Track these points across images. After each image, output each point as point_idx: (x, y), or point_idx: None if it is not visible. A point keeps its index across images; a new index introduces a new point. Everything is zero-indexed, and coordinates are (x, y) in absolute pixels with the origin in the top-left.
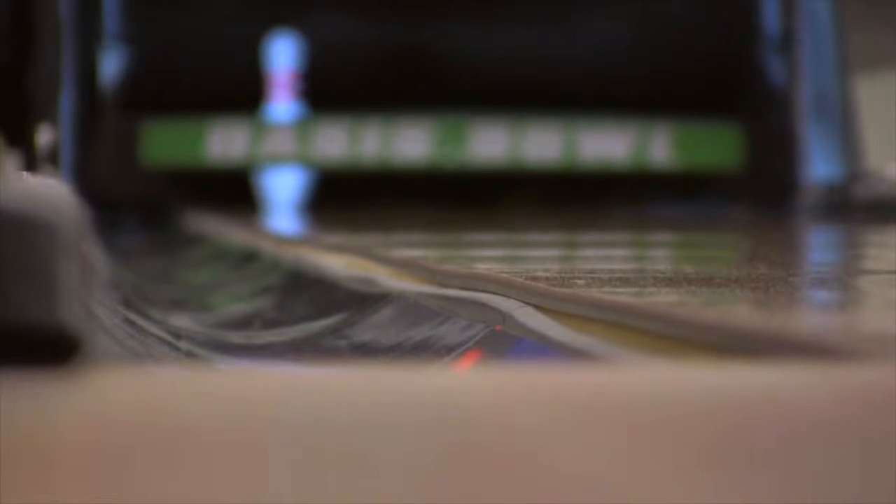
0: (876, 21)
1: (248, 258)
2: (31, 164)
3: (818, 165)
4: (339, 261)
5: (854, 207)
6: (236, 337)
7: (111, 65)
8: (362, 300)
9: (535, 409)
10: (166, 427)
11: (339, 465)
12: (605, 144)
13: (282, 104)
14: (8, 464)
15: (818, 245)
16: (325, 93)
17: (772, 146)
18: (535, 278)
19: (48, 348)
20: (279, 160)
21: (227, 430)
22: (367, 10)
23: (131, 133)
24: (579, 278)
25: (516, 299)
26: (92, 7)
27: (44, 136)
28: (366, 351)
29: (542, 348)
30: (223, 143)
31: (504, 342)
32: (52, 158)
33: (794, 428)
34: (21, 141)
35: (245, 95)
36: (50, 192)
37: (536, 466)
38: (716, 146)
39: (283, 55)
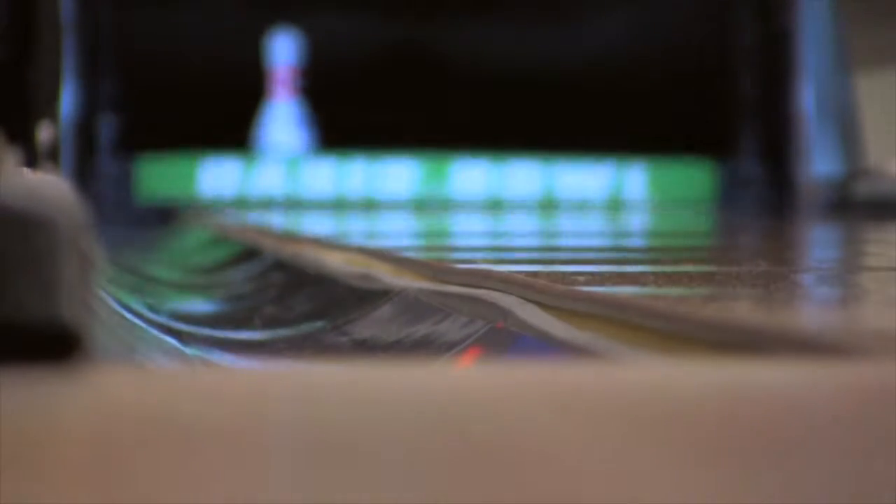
0: (877, 18)
1: (249, 255)
2: (31, 160)
3: (819, 163)
4: (338, 257)
5: (855, 205)
6: (237, 334)
7: (106, 129)
8: (362, 297)
9: (537, 406)
10: (168, 425)
11: (339, 463)
12: (582, 181)
13: (281, 102)
14: (8, 462)
15: (819, 242)
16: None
17: (747, 181)
18: (535, 275)
19: (48, 345)
20: (270, 197)
21: (229, 427)
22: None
23: (126, 174)
24: (580, 275)
25: (519, 296)
26: (93, 5)
27: (44, 133)
28: (366, 348)
29: (544, 346)
30: (214, 180)
31: (505, 339)
32: (53, 155)
33: (794, 426)
34: (21, 137)
35: (236, 132)
36: (50, 188)
37: (537, 464)
38: (689, 183)
39: (282, 53)
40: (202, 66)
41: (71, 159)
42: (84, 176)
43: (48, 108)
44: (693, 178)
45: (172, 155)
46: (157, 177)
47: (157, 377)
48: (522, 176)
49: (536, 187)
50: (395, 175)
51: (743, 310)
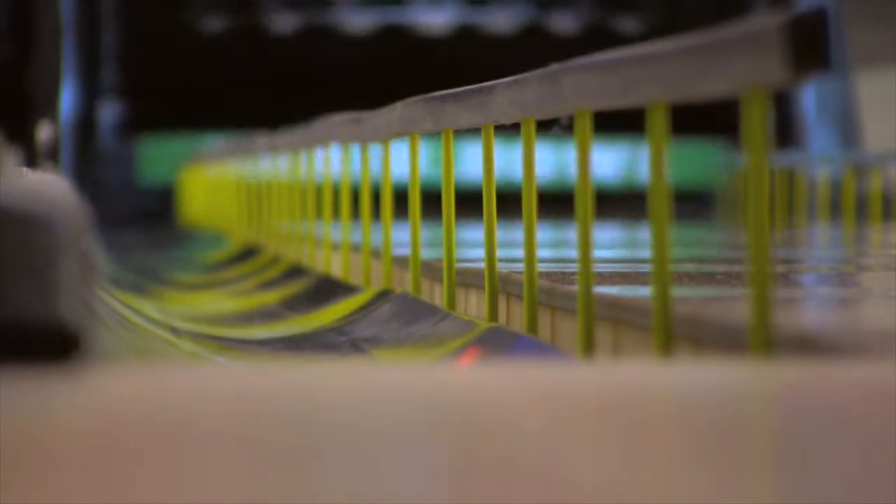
0: (878, 16)
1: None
2: (31, 159)
3: (818, 160)
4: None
5: (854, 202)
6: (236, 332)
7: (107, 114)
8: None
9: (535, 405)
10: (165, 423)
11: (338, 461)
12: (597, 163)
13: None
14: (8, 459)
15: (819, 241)
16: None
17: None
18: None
19: (48, 345)
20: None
21: (226, 426)
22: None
23: (127, 155)
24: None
25: (516, 296)
26: (92, 5)
27: (44, 133)
28: (366, 347)
29: (541, 346)
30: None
31: (503, 339)
32: (53, 155)
33: (794, 424)
34: (21, 137)
35: (237, 112)
36: (50, 188)
37: (536, 462)
38: (703, 164)
39: None
40: (205, 49)
41: (72, 141)
42: (85, 158)
43: (48, 108)
44: (705, 158)
45: (173, 136)
46: (158, 158)
47: (154, 376)
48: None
49: (550, 168)
50: (405, 156)
51: (743, 309)
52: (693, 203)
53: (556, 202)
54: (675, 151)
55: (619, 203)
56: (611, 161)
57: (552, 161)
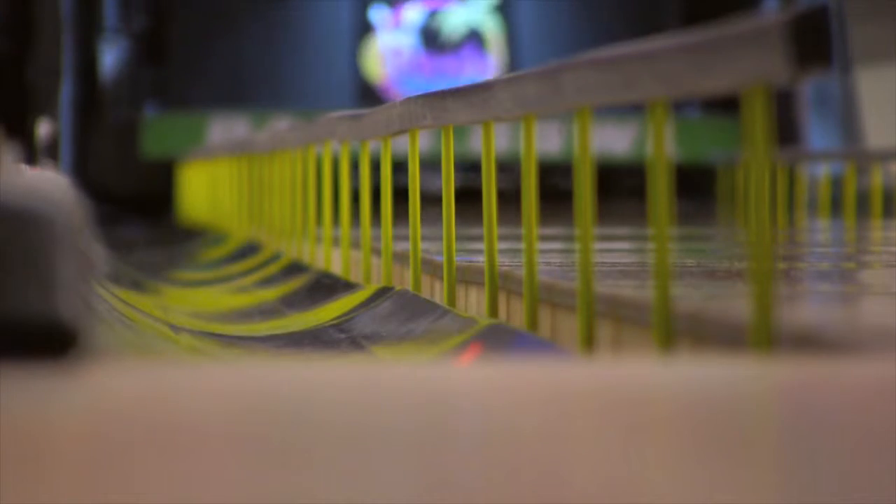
0: (879, 13)
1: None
2: (30, 156)
3: (819, 157)
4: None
5: (854, 199)
6: (235, 329)
7: (110, 57)
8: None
9: (535, 402)
10: (164, 420)
11: (338, 459)
12: (608, 139)
13: None
14: (7, 457)
15: (820, 238)
16: None
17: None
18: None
19: (46, 342)
20: None
21: (225, 423)
22: None
23: (130, 125)
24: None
25: (516, 293)
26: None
27: (43, 129)
28: (366, 344)
29: (542, 343)
30: (224, 135)
31: (504, 336)
32: (52, 151)
33: (795, 421)
34: (21, 133)
35: (245, 88)
36: (49, 185)
37: (535, 459)
38: (714, 139)
39: None
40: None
41: (77, 114)
42: (89, 130)
43: (48, 105)
44: (716, 134)
45: (179, 111)
46: (163, 133)
47: (153, 373)
48: (548, 133)
49: (562, 144)
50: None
51: (744, 307)
52: (695, 178)
53: (568, 178)
54: (677, 127)
55: (629, 178)
56: (622, 136)
57: (565, 136)
